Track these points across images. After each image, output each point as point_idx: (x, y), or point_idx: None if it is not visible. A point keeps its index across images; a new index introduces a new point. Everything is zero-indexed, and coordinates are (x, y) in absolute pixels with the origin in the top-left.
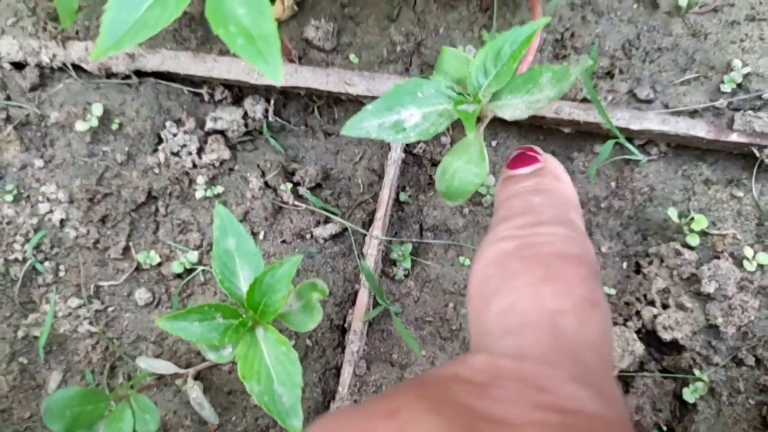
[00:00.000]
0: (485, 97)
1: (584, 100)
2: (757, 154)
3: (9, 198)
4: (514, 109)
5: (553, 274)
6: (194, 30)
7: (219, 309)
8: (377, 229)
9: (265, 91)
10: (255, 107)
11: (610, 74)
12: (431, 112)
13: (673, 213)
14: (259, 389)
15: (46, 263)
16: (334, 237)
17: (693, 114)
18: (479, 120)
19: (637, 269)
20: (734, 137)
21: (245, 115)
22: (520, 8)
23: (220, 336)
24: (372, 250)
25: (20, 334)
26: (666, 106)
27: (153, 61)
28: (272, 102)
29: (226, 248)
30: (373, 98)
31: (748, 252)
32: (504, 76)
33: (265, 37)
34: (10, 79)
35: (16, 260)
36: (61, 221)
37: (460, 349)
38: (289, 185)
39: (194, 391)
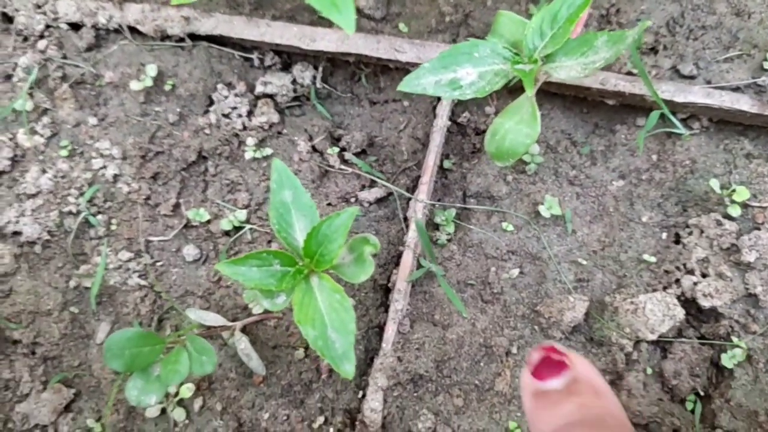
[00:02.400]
0: (540, 58)
1: (629, 73)
2: None
3: (64, 153)
4: (569, 70)
5: None
6: None
7: (277, 256)
8: (422, 194)
9: (313, 58)
10: (304, 73)
11: (654, 50)
12: (487, 71)
13: (715, 184)
14: (314, 334)
15: (99, 216)
16: (379, 201)
17: (735, 90)
18: (534, 81)
19: (677, 239)
20: None
21: (294, 81)
22: None
23: (277, 282)
24: (417, 214)
25: (72, 284)
26: (708, 83)
27: (207, 25)
28: (320, 69)
29: (282, 200)
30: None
31: None
32: (560, 38)
33: None
34: (67, 39)
35: (70, 213)
36: (114, 176)
37: (501, 312)
38: (336, 149)
39: (242, 343)
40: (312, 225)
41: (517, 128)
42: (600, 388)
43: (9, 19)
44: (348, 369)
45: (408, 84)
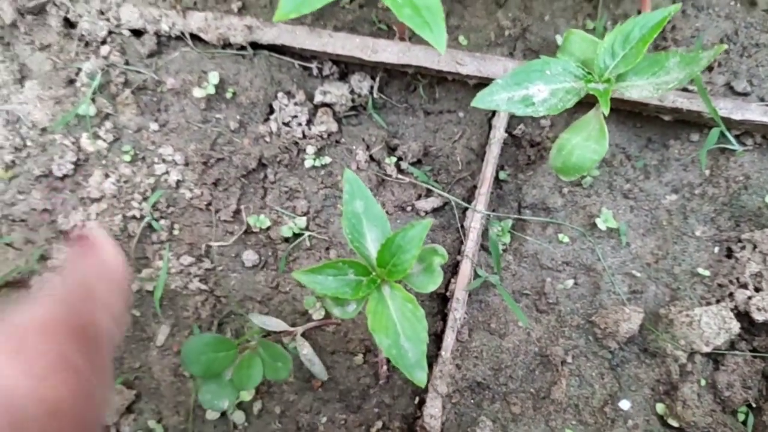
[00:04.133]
0: (612, 77)
1: (684, 89)
2: None
3: (126, 158)
4: (641, 90)
5: (14, 343)
6: None
7: (352, 265)
8: (480, 204)
9: (371, 69)
10: (361, 83)
11: (708, 67)
12: (559, 88)
13: None
14: (387, 343)
15: (162, 221)
16: (435, 210)
17: None
18: None
19: (729, 253)
20: None
21: (351, 91)
22: None
23: (352, 291)
24: (475, 224)
25: (134, 287)
26: (762, 100)
27: (270, 34)
28: (377, 79)
29: (354, 210)
30: (482, 78)
31: None
32: (633, 58)
33: (430, 8)
34: (129, 45)
35: (133, 217)
36: (177, 182)
37: (556, 322)
38: (393, 159)
39: (305, 348)
40: (383, 235)
41: (585, 144)
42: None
43: (71, 24)
44: (421, 377)
45: (481, 100)
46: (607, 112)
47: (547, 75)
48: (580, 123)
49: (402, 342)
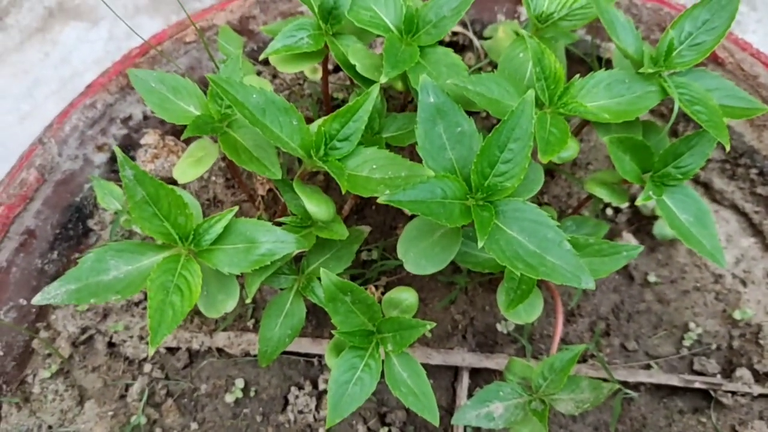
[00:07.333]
0: (545, 396)
1: (592, 355)
2: (712, 394)
3: None
4: (566, 404)
5: None
6: (311, 320)
7: None
8: None
9: None
10: None
11: (607, 333)
12: (510, 404)
13: None
14: None
15: None
16: None
17: (667, 360)
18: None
19: None
20: (697, 384)
21: None
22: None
23: None
24: None
25: None
26: (646, 354)
27: None
28: None
29: None
30: (447, 367)
31: None
32: (557, 383)
33: (425, 393)
34: (167, 360)
35: None
36: None
37: None
38: (386, 428)
39: None
40: None
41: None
42: None
43: (114, 345)
44: None
45: (459, 419)
46: (545, 427)
47: (501, 395)
48: (526, 419)
49: None
